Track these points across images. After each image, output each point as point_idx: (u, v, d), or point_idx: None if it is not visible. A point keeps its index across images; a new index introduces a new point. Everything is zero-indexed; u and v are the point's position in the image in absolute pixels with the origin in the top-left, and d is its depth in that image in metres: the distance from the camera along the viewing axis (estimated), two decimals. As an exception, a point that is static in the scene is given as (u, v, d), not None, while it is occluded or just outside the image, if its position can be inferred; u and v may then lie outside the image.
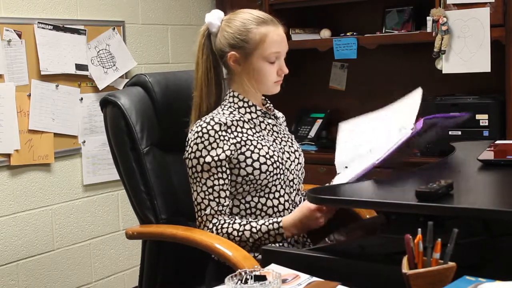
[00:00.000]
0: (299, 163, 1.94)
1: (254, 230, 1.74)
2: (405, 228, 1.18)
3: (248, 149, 1.80)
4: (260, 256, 1.63)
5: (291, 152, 1.92)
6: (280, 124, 1.98)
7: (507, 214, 1.24)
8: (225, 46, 1.84)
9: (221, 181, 1.78)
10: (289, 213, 1.85)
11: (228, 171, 1.79)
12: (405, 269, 1.12)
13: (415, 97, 1.81)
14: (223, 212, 1.79)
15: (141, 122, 2.02)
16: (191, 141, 1.80)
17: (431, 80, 3.09)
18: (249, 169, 1.79)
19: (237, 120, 1.83)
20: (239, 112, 1.86)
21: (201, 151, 1.78)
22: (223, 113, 1.84)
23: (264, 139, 1.85)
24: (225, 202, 1.79)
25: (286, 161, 1.88)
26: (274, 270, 1.23)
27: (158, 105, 2.08)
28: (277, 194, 1.84)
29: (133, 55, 3.29)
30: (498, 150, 1.79)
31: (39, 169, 2.92)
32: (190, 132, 1.83)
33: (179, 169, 2.00)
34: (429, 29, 2.93)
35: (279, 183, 1.84)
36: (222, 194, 1.79)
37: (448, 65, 2.91)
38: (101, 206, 3.21)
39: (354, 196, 1.53)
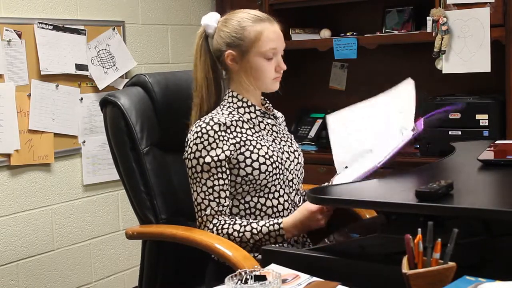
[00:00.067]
0: (298, 163, 1.94)
1: (254, 231, 1.74)
2: (405, 228, 1.18)
3: (247, 149, 1.80)
4: (260, 256, 1.63)
5: (291, 152, 1.92)
6: (280, 124, 1.98)
7: (507, 214, 1.24)
8: (222, 46, 1.85)
9: (221, 181, 1.78)
10: (288, 213, 1.85)
11: (228, 171, 1.79)
12: (405, 269, 1.12)
13: (406, 89, 1.82)
14: (223, 212, 1.79)
15: (141, 122, 2.02)
16: (191, 141, 1.80)
17: (431, 80, 3.09)
18: (249, 169, 1.79)
19: (236, 120, 1.83)
20: (238, 112, 1.86)
21: (200, 151, 1.78)
22: (222, 113, 1.84)
23: (264, 139, 1.85)
24: (225, 202, 1.79)
25: (286, 161, 1.88)
26: (274, 270, 1.23)
27: (158, 105, 2.08)
28: (276, 194, 1.84)
29: (133, 55, 3.29)
30: (498, 150, 1.79)
31: (39, 169, 2.92)
32: (190, 133, 1.83)
33: (179, 169, 2.00)
34: (429, 29, 2.93)
35: (279, 183, 1.84)
36: (222, 194, 1.79)
37: (448, 65, 2.91)
38: (101, 206, 3.21)
39: (354, 196, 1.52)
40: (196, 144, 1.78)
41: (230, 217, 1.81)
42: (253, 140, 1.82)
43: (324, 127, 3.49)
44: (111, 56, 3.17)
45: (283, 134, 1.95)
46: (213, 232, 1.77)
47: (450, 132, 2.81)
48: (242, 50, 1.83)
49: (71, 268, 3.08)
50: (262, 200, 1.83)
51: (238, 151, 1.79)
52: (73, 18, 3.03)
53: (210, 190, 1.78)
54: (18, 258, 2.87)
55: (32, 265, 2.92)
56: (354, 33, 3.29)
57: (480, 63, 2.83)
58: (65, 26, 2.97)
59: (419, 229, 1.14)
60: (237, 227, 1.76)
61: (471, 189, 1.50)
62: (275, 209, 1.84)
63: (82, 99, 3.06)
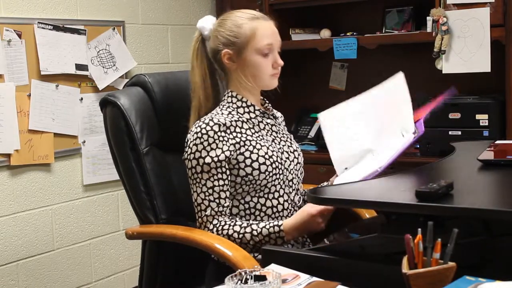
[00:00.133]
0: (298, 162, 1.94)
1: (255, 233, 1.74)
2: (405, 228, 1.18)
3: (247, 150, 1.80)
4: (260, 256, 1.63)
5: (290, 152, 1.92)
6: (279, 124, 1.98)
7: (507, 214, 1.24)
8: (218, 46, 1.85)
9: (221, 182, 1.78)
10: (288, 213, 1.85)
11: (228, 172, 1.79)
12: (405, 269, 1.12)
13: (398, 85, 1.81)
14: (223, 213, 1.79)
15: (140, 122, 2.02)
16: (190, 141, 1.80)
17: (431, 80, 3.09)
18: (248, 170, 1.79)
19: (235, 121, 1.83)
20: (237, 112, 1.86)
21: (200, 152, 1.78)
22: (222, 114, 1.84)
23: (263, 139, 1.85)
24: (225, 202, 1.79)
25: (285, 161, 1.88)
26: (274, 270, 1.23)
27: (157, 105, 2.08)
28: (276, 194, 1.84)
29: (133, 55, 3.29)
30: (498, 150, 1.79)
31: (39, 169, 2.92)
32: (189, 133, 1.83)
33: (179, 169, 2.00)
34: (429, 29, 2.93)
35: (278, 183, 1.84)
36: (222, 194, 1.78)
37: (448, 65, 2.91)
38: (101, 206, 3.21)
39: (354, 196, 1.52)
40: (196, 145, 1.78)
41: (230, 217, 1.81)
42: (253, 140, 1.82)
43: (324, 127, 3.48)
44: (111, 56, 3.17)
45: (283, 134, 1.95)
46: (213, 233, 1.77)
47: (450, 132, 2.81)
48: (238, 48, 1.83)
49: (71, 268, 3.08)
50: (262, 200, 1.83)
51: (238, 151, 1.79)
52: (73, 18, 3.03)
53: (210, 191, 1.78)
54: (18, 258, 2.87)
55: (32, 265, 2.92)
56: (354, 33, 3.29)
57: (480, 63, 2.83)
58: (65, 26, 2.97)
59: (419, 229, 1.14)
60: (237, 228, 1.76)
61: (471, 189, 1.49)
62: (275, 209, 1.84)
63: (82, 99, 3.06)
